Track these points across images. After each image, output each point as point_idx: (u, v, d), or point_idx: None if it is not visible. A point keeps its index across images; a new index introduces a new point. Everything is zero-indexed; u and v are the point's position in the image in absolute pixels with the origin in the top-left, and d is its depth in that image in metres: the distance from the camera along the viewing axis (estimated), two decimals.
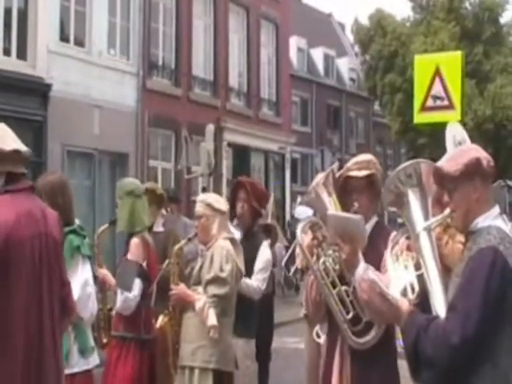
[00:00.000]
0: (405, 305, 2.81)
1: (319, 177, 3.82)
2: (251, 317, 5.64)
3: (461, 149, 2.96)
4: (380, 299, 3.12)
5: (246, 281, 5.35)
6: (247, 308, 5.42)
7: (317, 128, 37.07)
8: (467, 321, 2.58)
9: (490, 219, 2.81)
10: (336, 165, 3.98)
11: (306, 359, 6.86)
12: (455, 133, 5.79)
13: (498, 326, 2.64)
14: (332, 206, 3.72)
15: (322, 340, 3.81)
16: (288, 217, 25.53)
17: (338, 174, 3.81)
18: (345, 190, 3.76)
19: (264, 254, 5.70)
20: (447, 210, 2.86)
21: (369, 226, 3.74)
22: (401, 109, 30.90)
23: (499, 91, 33.39)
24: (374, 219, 3.79)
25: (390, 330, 3.55)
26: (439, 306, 2.77)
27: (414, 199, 3.03)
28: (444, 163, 2.87)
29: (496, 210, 2.86)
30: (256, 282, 5.54)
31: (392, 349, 3.69)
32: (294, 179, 28.52)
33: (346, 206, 3.73)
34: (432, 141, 28.66)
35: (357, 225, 3.45)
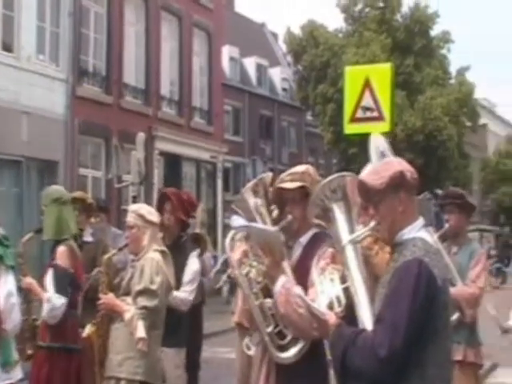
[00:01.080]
0: (332, 318, 2.81)
1: (250, 183, 3.81)
2: (181, 326, 5.60)
3: (384, 162, 2.97)
4: (296, 314, 3.14)
5: (173, 293, 5.31)
6: (177, 318, 5.40)
7: (249, 137, 37.13)
8: (394, 333, 2.58)
9: (415, 231, 2.84)
10: (268, 174, 3.93)
11: (237, 369, 6.83)
12: (378, 144, 5.87)
13: (424, 338, 2.65)
14: (255, 213, 3.68)
15: (252, 352, 3.76)
16: (220, 226, 25.50)
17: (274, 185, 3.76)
18: (281, 201, 3.71)
19: (192, 265, 5.68)
20: (372, 223, 2.88)
21: (304, 239, 3.69)
22: (333, 119, 31.26)
23: (429, 102, 34.13)
24: (312, 231, 3.68)
25: (319, 345, 3.49)
26: (366, 318, 2.77)
27: (339, 213, 3.05)
28: (368, 176, 2.89)
29: (420, 221, 2.89)
30: (184, 293, 5.53)
31: (321, 363, 3.61)
32: (226, 188, 28.47)
33: (282, 217, 3.66)
34: (363, 151, 28.95)
35: (274, 237, 3.43)
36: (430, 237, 2.91)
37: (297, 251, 3.66)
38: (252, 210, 3.70)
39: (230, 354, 9.89)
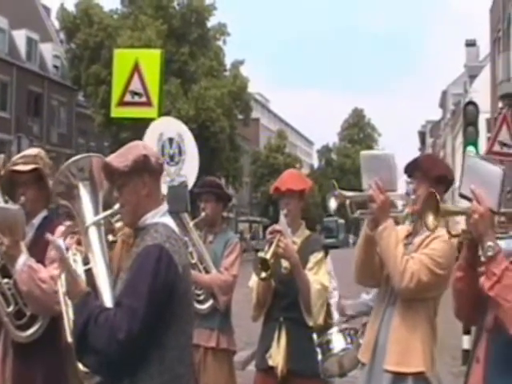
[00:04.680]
0: (83, 284, 2.79)
1: None
2: None
3: (129, 145, 2.98)
4: (39, 290, 3.26)
5: None
6: None
7: (16, 113, 35.59)
8: (133, 318, 2.60)
9: (159, 216, 2.87)
10: (1, 156, 3.98)
11: None
12: (166, 129, 5.91)
13: (164, 322, 2.70)
14: None
15: None
16: None
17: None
18: (13, 183, 3.77)
19: None
20: (116, 205, 2.89)
21: (37, 220, 3.79)
22: (105, 101, 30.85)
23: (203, 93, 34.84)
24: (44, 213, 3.83)
25: (57, 323, 3.49)
26: (107, 300, 2.79)
27: (84, 192, 3.05)
28: (113, 158, 2.89)
29: (164, 207, 2.93)
30: None
31: (59, 341, 3.59)
32: None
33: (14, 199, 3.74)
34: (135, 135, 28.83)
35: (14, 216, 3.44)
36: (173, 222, 2.95)
37: (29, 232, 3.72)
38: None
39: None
